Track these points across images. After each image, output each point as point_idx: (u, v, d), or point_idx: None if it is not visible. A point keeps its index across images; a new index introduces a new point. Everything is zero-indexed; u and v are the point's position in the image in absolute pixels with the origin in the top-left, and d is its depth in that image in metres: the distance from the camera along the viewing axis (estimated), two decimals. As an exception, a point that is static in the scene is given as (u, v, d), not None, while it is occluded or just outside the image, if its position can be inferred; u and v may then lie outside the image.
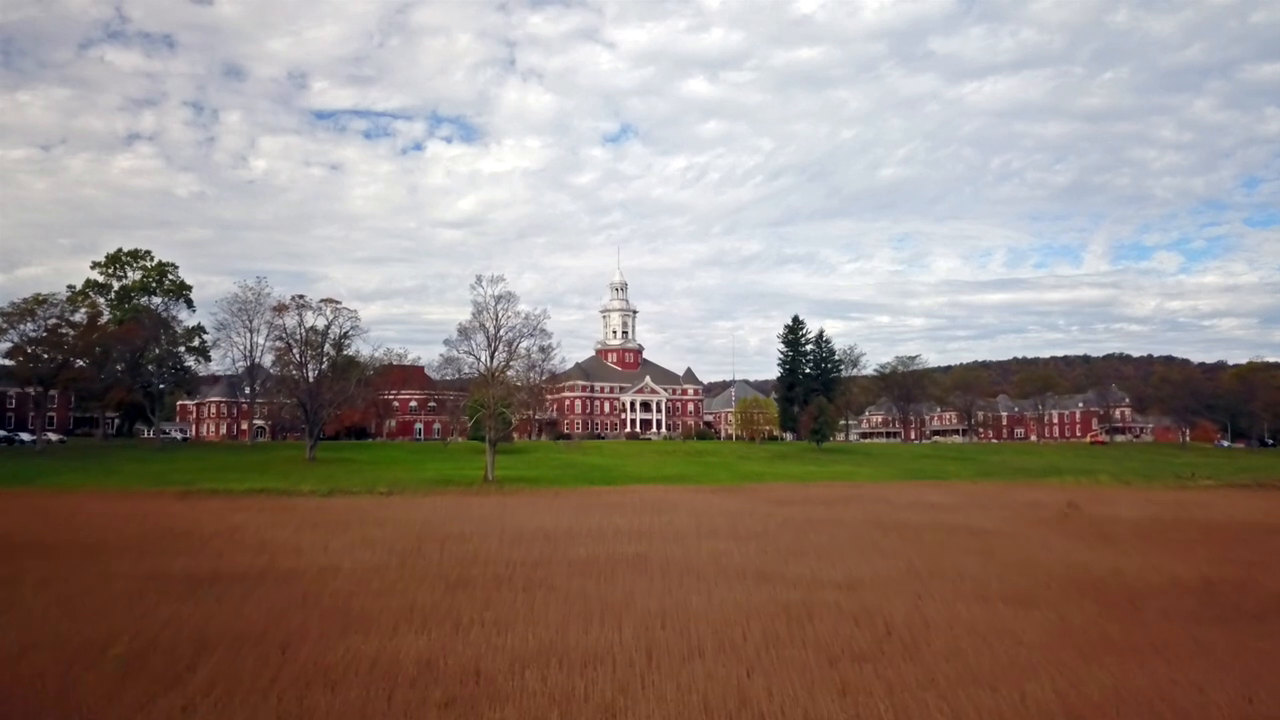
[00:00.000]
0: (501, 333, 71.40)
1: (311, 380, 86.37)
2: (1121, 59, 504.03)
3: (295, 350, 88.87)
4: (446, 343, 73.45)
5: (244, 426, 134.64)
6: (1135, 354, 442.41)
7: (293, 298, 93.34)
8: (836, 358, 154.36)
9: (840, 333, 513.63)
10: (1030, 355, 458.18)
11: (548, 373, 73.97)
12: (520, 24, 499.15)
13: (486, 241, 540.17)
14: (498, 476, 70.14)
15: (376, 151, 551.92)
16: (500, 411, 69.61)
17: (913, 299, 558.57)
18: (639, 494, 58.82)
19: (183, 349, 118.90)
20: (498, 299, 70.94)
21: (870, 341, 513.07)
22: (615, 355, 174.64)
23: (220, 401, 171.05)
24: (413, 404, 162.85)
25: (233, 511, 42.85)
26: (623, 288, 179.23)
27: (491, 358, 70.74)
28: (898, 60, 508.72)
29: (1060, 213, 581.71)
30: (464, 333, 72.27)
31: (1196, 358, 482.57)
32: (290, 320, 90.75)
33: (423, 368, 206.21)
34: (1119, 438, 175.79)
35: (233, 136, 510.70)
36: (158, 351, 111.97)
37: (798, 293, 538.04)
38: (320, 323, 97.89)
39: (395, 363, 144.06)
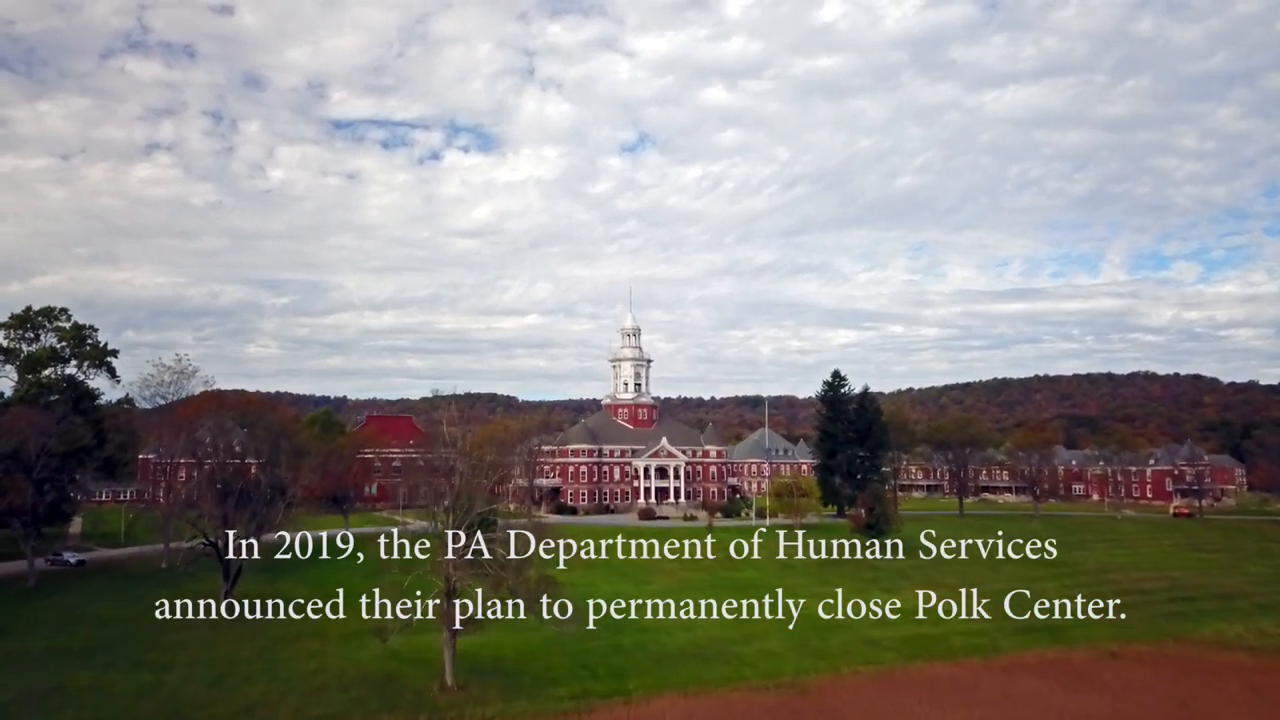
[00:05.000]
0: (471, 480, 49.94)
1: (227, 516, 61.82)
2: (1144, 67, 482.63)
3: (206, 467, 66.31)
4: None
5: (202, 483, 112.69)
6: (1159, 370, 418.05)
7: (205, 392, 71.56)
8: (884, 419, 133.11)
9: (853, 342, 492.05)
10: (1052, 373, 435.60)
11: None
12: (540, 33, 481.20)
13: (500, 251, 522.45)
14: (462, 655, 49.11)
15: (393, 161, 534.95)
16: (463, 589, 48.16)
17: (927, 308, 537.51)
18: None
19: (106, 428, 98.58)
20: (466, 428, 49.60)
21: (884, 352, 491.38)
22: (627, 411, 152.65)
23: (180, 463, 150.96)
24: (396, 463, 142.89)
25: None
26: (635, 333, 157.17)
27: (453, 514, 49.17)
28: (918, 69, 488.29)
29: (1078, 222, 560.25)
30: (423, 473, 51.18)
31: (1217, 370, 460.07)
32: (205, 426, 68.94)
33: (410, 417, 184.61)
34: (1200, 500, 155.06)
35: (251, 146, 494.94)
36: (72, 427, 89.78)
37: (811, 302, 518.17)
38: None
39: (379, 413, 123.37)
